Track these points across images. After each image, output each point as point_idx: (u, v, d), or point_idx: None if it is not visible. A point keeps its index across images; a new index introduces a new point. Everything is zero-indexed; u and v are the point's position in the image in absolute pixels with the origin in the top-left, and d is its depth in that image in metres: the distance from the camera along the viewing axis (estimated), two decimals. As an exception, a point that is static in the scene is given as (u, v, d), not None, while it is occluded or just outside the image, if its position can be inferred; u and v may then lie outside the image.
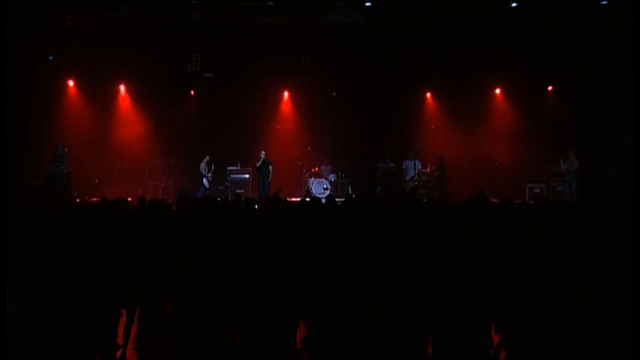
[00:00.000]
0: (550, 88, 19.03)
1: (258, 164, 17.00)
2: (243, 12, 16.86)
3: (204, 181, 17.14)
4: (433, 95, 19.54)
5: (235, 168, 18.16)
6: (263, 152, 17.10)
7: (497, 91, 19.25)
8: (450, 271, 5.00)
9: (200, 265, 5.26)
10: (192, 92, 19.19)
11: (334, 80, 18.81)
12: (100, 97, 18.29)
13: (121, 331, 5.63)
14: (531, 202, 15.54)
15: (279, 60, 18.05)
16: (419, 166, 17.39)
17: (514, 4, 16.40)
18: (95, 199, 13.58)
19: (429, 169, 17.86)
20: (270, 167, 17.02)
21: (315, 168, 18.27)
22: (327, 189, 17.49)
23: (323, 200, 9.33)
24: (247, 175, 18.10)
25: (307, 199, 11.05)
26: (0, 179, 8.08)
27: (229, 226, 6.01)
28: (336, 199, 9.46)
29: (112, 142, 18.28)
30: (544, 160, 17.63)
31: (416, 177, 17.29)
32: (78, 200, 14.85)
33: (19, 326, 5.00)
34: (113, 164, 18.30)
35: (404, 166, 17.51)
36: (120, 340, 5.59)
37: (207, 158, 17.20)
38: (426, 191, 17.14)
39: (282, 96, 19.45)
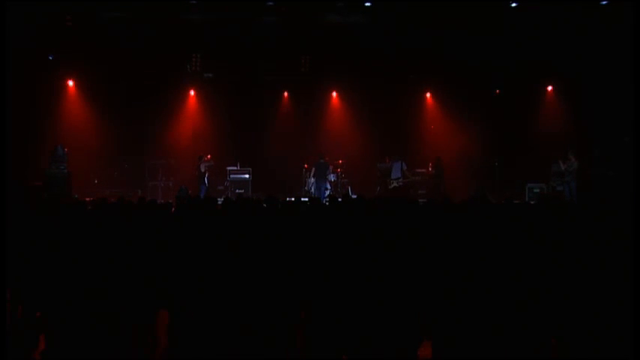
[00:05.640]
0: (550, 88, 19.04)
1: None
2: (243, 12, 16.87)
3: (205, 180, 17.17)
4: (433, 95, 19.55)
5: (235, 168, 18.16)
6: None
7: (497, 91, 19.24)
8: (449, 271, 5.00)
9: (202, 264, 5.26)
10: (192, 92, 19.20)
11: (334, 80, 18.82)
12: (100, 97, 18.28)
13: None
14: (532, 202, 15.55)
15: (279, 60, 18.05)
16: (404, 167, 17.45)
17: (514, 4, 16.42)
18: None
19: (430, 169, 17.80)
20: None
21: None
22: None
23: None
24: (247, 175, 18.10)
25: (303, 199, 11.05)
26: (0, 179, 8.09)
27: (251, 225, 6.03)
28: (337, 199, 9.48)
29: (112, 142, 18.26)
30: (544, 160, 17.62)
31: (400, 178, 17.38)
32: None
33: (18, 328, 4.99)
34: (113, 164, 18.31)
35: (390, 166, 17.61)
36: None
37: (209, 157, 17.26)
38: (425, 191, 17.16)
39: (282, 96, 19.44)
